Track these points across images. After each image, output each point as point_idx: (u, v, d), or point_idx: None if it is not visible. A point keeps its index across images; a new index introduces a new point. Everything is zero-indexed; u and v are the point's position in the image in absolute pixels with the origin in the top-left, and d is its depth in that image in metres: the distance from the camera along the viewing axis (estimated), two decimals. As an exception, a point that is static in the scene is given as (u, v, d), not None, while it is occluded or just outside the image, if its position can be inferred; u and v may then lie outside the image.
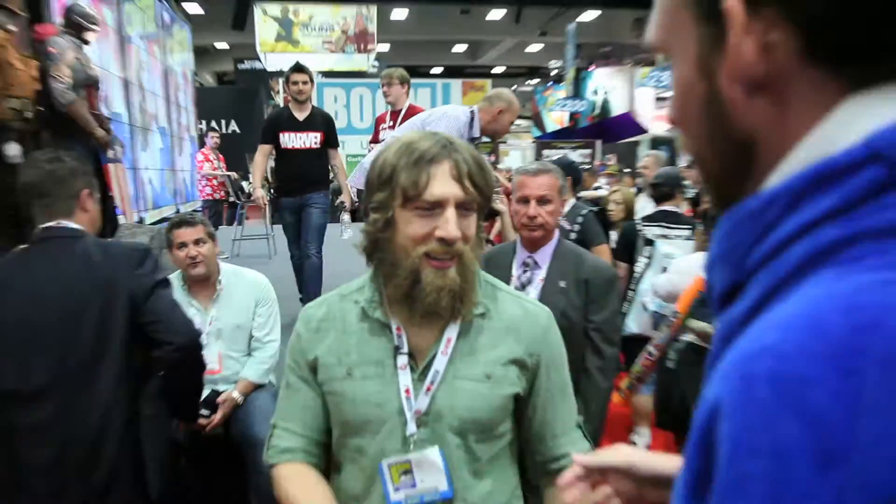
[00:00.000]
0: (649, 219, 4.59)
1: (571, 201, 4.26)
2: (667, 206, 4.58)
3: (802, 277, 0.52)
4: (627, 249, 4.54)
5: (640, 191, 6.65)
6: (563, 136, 17.93)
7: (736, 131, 0.60)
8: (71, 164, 2.26)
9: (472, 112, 4.16)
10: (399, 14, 18.94)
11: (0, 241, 4.63)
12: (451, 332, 1.43)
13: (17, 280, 2.11)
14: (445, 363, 1.41)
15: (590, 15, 18.84)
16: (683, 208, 4.84)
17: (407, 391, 1.40)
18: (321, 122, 5.86)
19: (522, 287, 2.53)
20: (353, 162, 16.55)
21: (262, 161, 5.97)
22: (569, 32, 17.99)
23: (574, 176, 4.57)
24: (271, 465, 1.50)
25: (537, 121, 23.37)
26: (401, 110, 5.49)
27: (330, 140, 5.84)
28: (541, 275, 2.50)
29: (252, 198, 6.98)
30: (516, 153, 18.62)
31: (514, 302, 1.52)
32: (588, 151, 14.19)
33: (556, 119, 22.33)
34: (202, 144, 12.76)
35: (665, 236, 4.38)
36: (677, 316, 3.28)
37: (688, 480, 0.53)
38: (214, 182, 11.23)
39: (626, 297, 4.45)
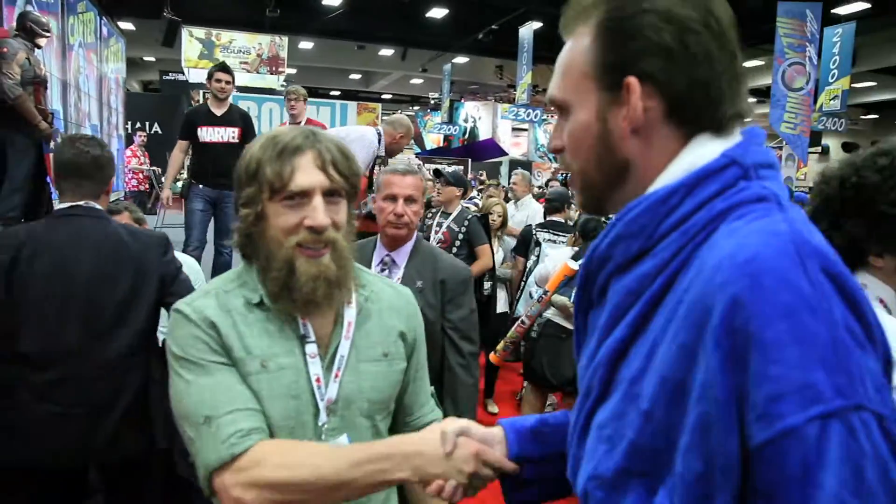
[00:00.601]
0: (541, 226, 4.86)
1: (459, 207, 4.35)
2: (556, 217, 4.91)
3: (711, 231, 0.71)
4: (525, 247, 4.75)
5: (508, 200, 6.71)
6: (439, 154, 18.23)
7: (618, 158, 0.79)
8: (109, 154, 2.17)
9: (378, 133, 4.12)
10: (306, 44, 18.69)
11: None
12: (350, 315, 1.22)
13: (45, 248, 1.98)
14: (349, 347, 1.21)
15: (461, 59, 19.24)
16: (568, 218, 5.16)
17: (318, 380, 1.17)
18: (239, 118, 5.26)
19: None
20: (263, 165, 16.23)
21: (178, 157, 5.32)
22: (445, 71, 18.31)
23: (464, 186, 4.67)
24: (239, 453, 1.04)
25: (418, 140, 23.58)
26: (300, 122, 5.04)
27: (248, 136, 5.12)
28: (398, 274, 2.14)
29: (160, 197, 6.22)
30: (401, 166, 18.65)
31: (382, 283, 1.36)
32: (460, 168, 14.55)
33: (434, 139, 22.62)
34: (130, 142, 12.22)
35: (552, 241, 4.64)
36: (546, 294, 3.58)
37: (721, 359, 0.62)
38: (140, 175, 10.79)
39: (520, 286, 4.70)
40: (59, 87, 8.00)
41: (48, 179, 5.10)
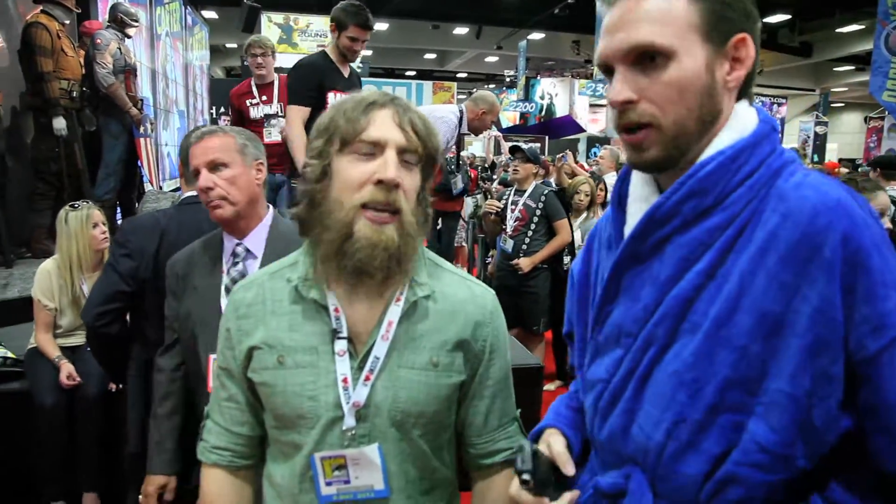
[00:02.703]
0: None
1: (533, 183, 4.31)
2: None
3: (770, 185, 0.81)
4: None
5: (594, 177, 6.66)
6: (515, 131, 18.05)
7: (716, 108, 0.84)
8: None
9: (461, 111, 4.04)
10: (381, 25, 18.81)
11: (44, 204, 4.74)
12: (393, 314, 1.09)
13: (185, 233, 2.03)
14: (386, 349, 1.08)
15: (537, 35, 18.91)
16: None
17: (345, 380, 1.06)
18: (358, 81, 3.75)
19: (234, 284, 1.66)
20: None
21: (303, 132, 3.27)
22: (520, 48, 18.06)
23: (540, 164, 4.66)
24: (201, 461, 1.19)
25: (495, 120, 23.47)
26: (272, 82, 4.35)
27: None
28: (256, 265, 1.70)
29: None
30: (478, 143, 18.69)
31: (459, 283, 1.17)
32: (537, 145, 14.36)
33: (510, 118, 22.40)
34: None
35: None
36: None
37: (839, 286, 0.74)
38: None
39: None
40: (148, 75, 8.40)
41: (139, 164, 5.37)
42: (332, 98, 3.34)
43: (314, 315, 1.09)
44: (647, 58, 0.82)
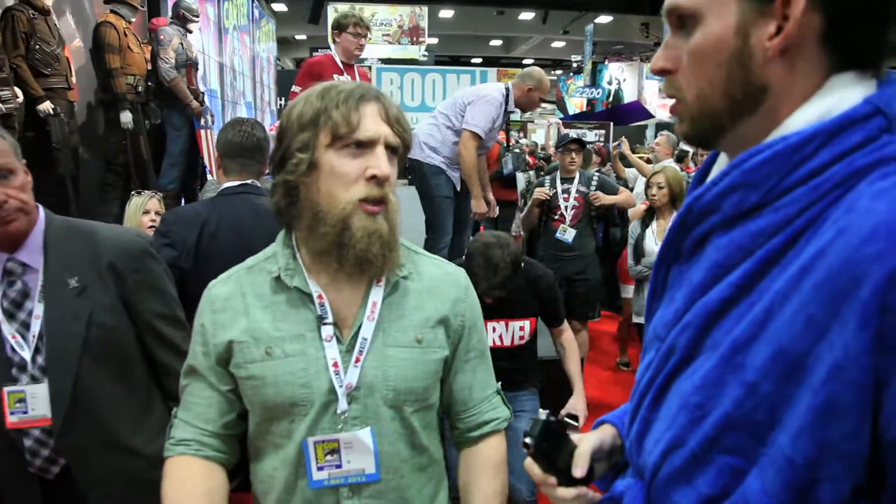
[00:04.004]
0: None
1: (579, 172, 4.26)
2: None
3: (847, 189, 0.61)
4: None
5: (649, 163, 6.40)
6: (581, 118, 17.77)
7: (754, 82, 0.68)
8: (268, 137, 2.22)
9: (507, 88, 3.90)
10: (446, 13, 18.81)
11: (113, 194, 4.98)
12: (376, 295, 1.12)
13: (225, 223, 2.11)
14: (373, 330, 1.10)
15: (604, 18, 18.48)
16: None
17: (335, 364, 1.08)
18: None
19: (16, 308, 1.44)
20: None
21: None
22: (587, 32, 17.72)
23: (596, 153, 4.66)
24: (165, 457, 1.16)
25: (560, 105, 23.14)
26: (353, 65, 4.20)
27: None
28: (40, 279, 1.44)
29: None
30: (541, 131, 18.54)
31: (431, 263, 1.22)
32: (602, 132, 14.11)
33: (576, 104, 22.09)
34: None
35: None
36: None
37: (868, 339, 0.55)
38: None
39: None
40: (216, 68, 8.68)
41: (201, 154, 5.58)
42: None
43: (298, 304, 1.11)
44: (682, 22, 0.72)
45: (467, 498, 1.22)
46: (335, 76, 4.07)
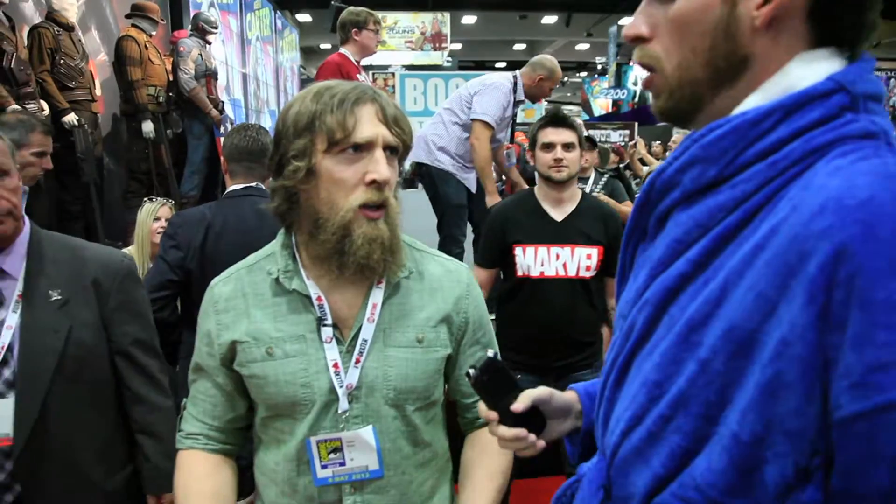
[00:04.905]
0: None
1: (594, 171, 4.23)
2: None
3: (805, 167, 0.61)
4: None
5: None
6: (606, 119, 17.67)
7: (737, 52, 0.66)
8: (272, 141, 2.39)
9: (514, 77, 3.70)
10: (469, 19, 18.89)
11: (136, 202, 5.10)
12: (376, 296, 1.12)
13: (230, 225, 2.16)
14: (373, 331, 1.11)
15: (628, 20, 18.33)
16: None
17: (335, 365, 1.09)
18: None
19: None
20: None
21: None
22: (611, 34, 17.62)
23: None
24: (177, 448, 1.22)
25: (586, 107, 23.00)
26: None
27: None
28: (16, 288, 1.39)
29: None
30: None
31: (434, 261, 1.21)
32: (626, 132, 14.02)
33: (602, 105, 21.94)
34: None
35: None
36: None
37: (814, 315, 0.55)
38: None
39: None
40: (239, 78, 8.88)
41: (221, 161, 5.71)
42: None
43: (298, 305, 1.11)
44: None
45: (469, 472, 1.22)
46: (357, 75, 4.03)
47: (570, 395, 0.96)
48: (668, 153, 8.21)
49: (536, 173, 2.45)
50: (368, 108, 1.05)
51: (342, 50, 3.92)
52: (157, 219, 3.09)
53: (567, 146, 2.34)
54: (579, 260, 2.37)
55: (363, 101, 1.05)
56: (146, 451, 1.52)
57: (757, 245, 0.61)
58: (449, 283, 1.19)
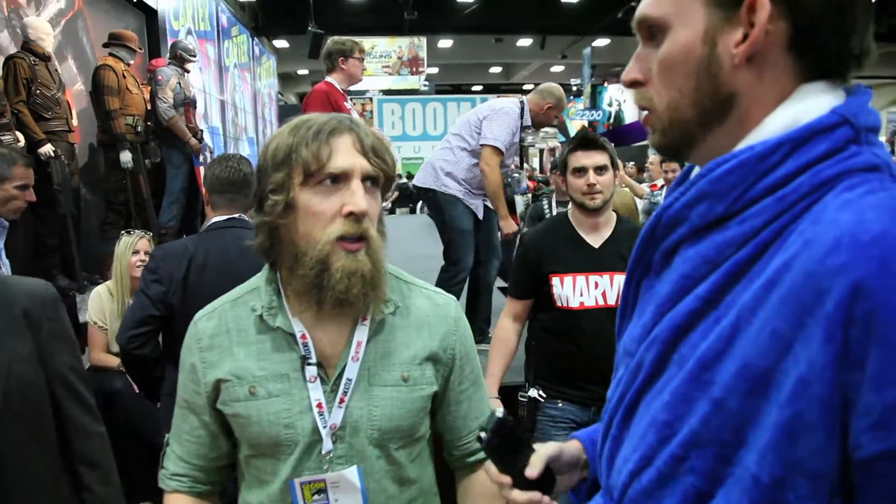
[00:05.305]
0: None
1: None
2: None
3: (814, 201, 0.61)
4: None
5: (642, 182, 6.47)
6: (581, 140, 17.87)
7: (722, 90, 0.67)
8: (254, 172, 2.31)
9: (522, 103, 3.69)
10: (445, 43, 19.08)
11: (114, 233, 5.02)
12: (361, 335, 1.10)
13: (213, 257, 2.13)
14: (357, 370, 1.09)
15: (602, 41, 18.70)
16: None
17: (319, 405, 1.07)
18: None
19: None
20: (409, 163, 16.88)
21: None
22: (585, 56, 17.88)
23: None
24: (161, 487, 1.20)
25: (562, 128, 23.25)
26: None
27: None
28: None
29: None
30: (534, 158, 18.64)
31: (421, 294, 1.19)
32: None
33: (577, 126, 22.19)
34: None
35: None
36: None
37: (833, 354, 0.54)
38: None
39: None
40: (217, 105, 8.85)
41: (200, 191, 5.66)
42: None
43: (282, 343, 1.09)
44: (651, 33, 0.71)
45: None
46: (345, 104, 4.05)
47: (575, 446, 0.95)
48: (644, 174, 8.30)
49: (570, 199, 2.34)
50: (345, 139, 1.03)
51: (328, 78, 3.95)
52: (135, 252, 3.04)
53: (599, 169, 2.21)
54: (619, 287, 2.27)
55: (339, 132, 1.03)
56: (87, 482, 1.46)
57: (769, 281, 0.60)
58: (436, 318, 1.16)
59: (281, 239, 1.06)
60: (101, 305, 3.05)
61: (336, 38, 3.97)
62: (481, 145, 3.54)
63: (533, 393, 2.30)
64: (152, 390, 2.38)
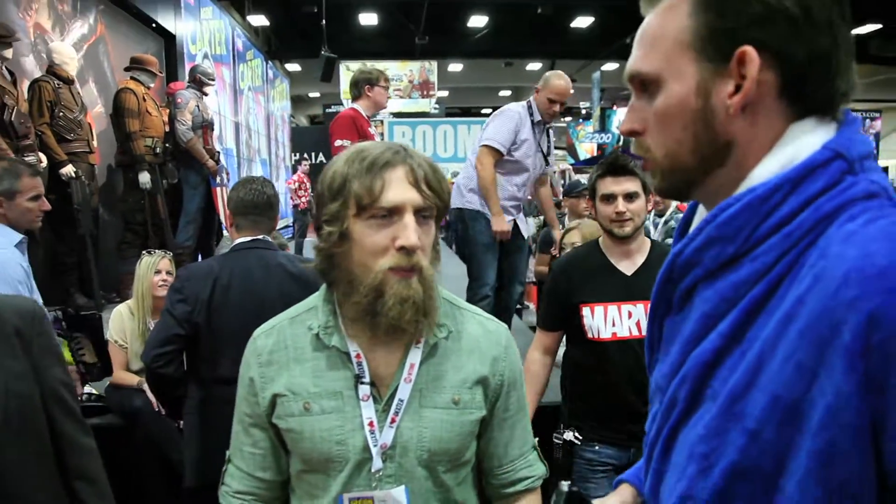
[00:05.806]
0: None
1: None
2: None
3: (818, 234, 0.64)
4: None
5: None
6: (593, 163, 17.98)
7: (718, 138, 0.70)
8: (277, 194, 2.34)
9: (529, 102, 3.72)
10: (455, 66, 19.29)
11: (132, 252, 5.10)
12: (414, 357, 1.13)
13: (237, 278, 2.17)
14: (409, 391, 1.11)
15: (611, 66, 18.87)
16: None
17: (371, 424, 1.10)
18: None
19: None
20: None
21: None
22: (594, 79, 18.03)
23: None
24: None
25: (571, 151, 23.39)
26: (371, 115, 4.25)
27: None
28: None
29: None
30: (555, 177, 18.70)
31: (473, 320, 1.21)
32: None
33: (587, 149, 22.29)
34: (295, 171, 13.30)
35: None
36: None
37: (857, 382, 0.56)
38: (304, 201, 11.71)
39: None
40: (232, 128, 8.98)
41: (217, 211, 5.72)
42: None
43: (337, 362, 1.12)
44: (644, 86, 0.74)
45: None
46: (369, 129, 4.19)
47: (628, 491, 0.97)
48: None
49: (600, 225, 2.26)
50: (398, 172, 1.04)
51: (355, 105, 4.12)
52: (157, 272, 3.07)
53: (629, 196, 2.10)
54: None
55: (392, 165, 1.04)
56: (83, 497, 1.48)
57: (787, 315, 0.63)
58: (487, 344, 1.18)
59: (337, 264, 1.09)
60: (122, 325, 3.08)
61: (362, 67, 4.15)
62: (479, 146, 3.61)
63: (568, 435, 2.20)
64: (176, 408, 2.40)
